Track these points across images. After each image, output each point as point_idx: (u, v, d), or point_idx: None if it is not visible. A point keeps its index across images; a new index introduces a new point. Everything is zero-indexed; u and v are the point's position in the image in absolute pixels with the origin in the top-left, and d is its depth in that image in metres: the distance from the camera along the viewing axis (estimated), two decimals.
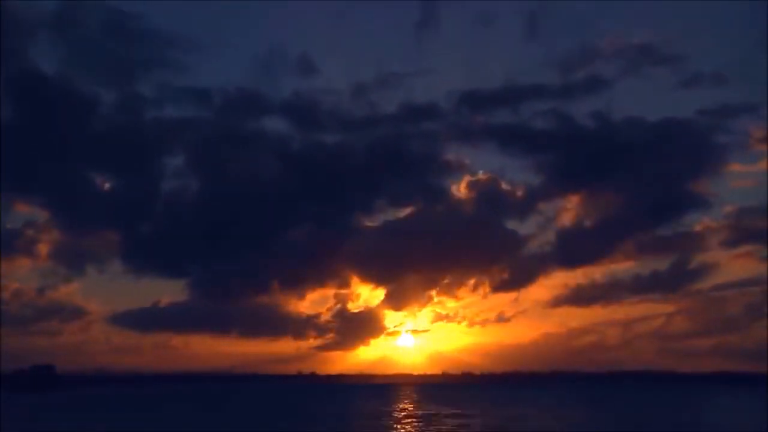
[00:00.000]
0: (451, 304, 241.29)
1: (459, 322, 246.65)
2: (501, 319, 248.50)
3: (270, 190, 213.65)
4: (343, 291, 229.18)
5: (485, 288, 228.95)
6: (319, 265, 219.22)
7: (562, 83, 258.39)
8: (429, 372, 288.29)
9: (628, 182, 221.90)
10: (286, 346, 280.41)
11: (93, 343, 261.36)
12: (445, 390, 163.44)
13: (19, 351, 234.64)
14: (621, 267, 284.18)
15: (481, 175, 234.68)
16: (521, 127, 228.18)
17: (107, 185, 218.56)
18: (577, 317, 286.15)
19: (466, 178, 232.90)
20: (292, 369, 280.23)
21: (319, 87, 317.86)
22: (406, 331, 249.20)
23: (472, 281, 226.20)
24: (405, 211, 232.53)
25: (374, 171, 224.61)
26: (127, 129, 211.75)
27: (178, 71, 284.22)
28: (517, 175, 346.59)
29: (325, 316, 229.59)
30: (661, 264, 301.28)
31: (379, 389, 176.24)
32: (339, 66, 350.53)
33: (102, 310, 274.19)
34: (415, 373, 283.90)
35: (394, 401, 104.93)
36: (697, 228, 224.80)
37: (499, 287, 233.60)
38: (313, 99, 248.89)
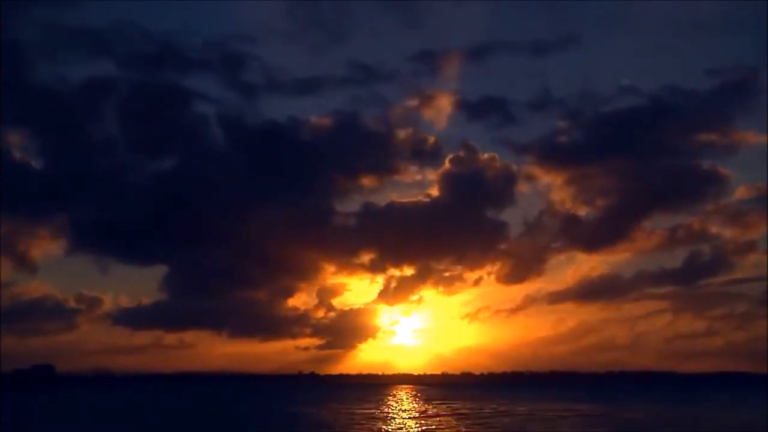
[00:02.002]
0: (448, 298, 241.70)
1: (460, 318, 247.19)
2: (501, 315, 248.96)
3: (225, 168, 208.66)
4: (331, 285, 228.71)
5: (484, 281, 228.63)
6: (293, 256, 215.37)
7: None
8: (429, 372, 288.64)
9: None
10: (283, 346, 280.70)
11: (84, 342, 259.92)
12: (453, 390, 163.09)
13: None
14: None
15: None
16: None
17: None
18: (581, 314, 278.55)
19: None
20: (292, 369, 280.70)
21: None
22: (411, 331, 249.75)
23: (469, 274, 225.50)
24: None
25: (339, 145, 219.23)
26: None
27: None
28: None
29: (318, 314, 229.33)
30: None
31: (378, 389, 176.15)
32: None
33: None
34: (415, 373, 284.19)
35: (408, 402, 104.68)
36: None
37: (499, 280, 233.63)
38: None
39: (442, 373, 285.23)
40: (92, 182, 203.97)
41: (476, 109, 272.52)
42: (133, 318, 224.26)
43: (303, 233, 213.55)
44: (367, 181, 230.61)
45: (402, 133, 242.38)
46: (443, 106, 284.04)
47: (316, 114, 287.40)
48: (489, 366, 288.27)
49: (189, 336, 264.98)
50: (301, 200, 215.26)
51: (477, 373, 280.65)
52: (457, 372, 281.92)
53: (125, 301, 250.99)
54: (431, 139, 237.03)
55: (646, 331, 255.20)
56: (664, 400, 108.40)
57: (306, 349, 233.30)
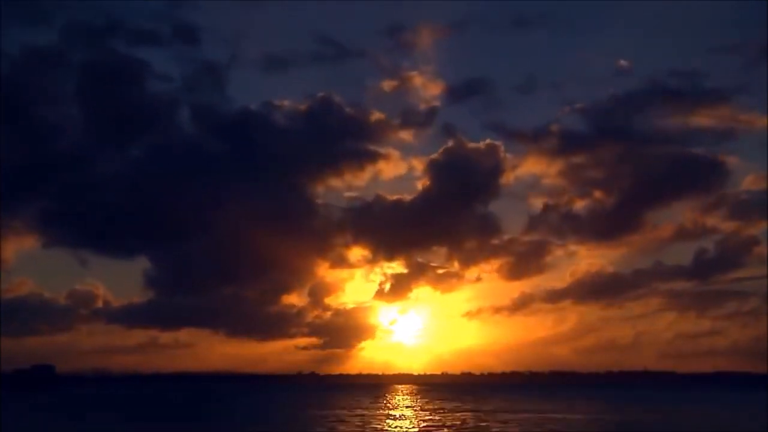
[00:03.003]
0: (446, 297, 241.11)
1: (459, 317, 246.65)
2: (502, 314, 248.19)
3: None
4: (324, 282, 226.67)
5: (481, 278, 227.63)
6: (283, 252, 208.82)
7: None
8: (429, 372, 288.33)
9: None
10: (282, 346, 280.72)
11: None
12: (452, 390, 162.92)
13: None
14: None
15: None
16: None
17: None
18: (580, 313, 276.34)
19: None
20: (292, 369, 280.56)
21: None
22: (410, 331, 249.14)
23: (465, 271, 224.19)
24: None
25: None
26: None
27: None
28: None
29: (313, 312, 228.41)
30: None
31: (377, 389, 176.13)
32: None
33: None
34: (415, 373, 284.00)
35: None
36: None
37: (497, 277, 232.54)
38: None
39: (442, 373, 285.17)
40: (57, 172, 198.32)
41: (460, 91, 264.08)
42: (127, 316, 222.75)
43: (287, 226, 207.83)
44: (348, 171, 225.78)
45: (382, 118, 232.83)
46: (424, 87, 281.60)
47: (286, 96, 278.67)
48: (489, 366, 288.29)
49: (185, 335, 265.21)
50: (282, 191, 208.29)
51: (477, 373, 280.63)
52: (457, 372, 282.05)
53: (112, 297, 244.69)
54: (414, 125, 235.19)
55: (647, 330, 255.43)
56: (664, 400, 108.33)
57: (305, 348, 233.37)
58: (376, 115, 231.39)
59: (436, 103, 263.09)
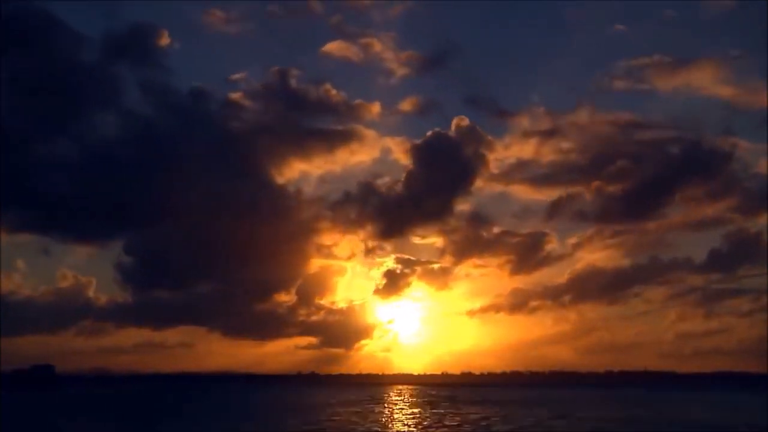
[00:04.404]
0: (444, 295, 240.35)
1: (458, 315, 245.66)
2: (501, 313, 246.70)
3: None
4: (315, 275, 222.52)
5: (478, 276, 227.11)
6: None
7: None
8: (429, 372, 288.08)
9: None
10: (283, 346, 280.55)
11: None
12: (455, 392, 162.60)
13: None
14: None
15: None
16: None
17: None
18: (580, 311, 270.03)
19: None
20: (292, 369, 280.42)
21: None
22: (410, 330, 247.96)
23: (459, 267, 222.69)
24: None
25: None
26: None
27: None
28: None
29: (309, 310, 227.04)
30: None
31: (378, 389, 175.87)
32: None
33: None
34: (415, 373, 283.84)
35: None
36: None
37: (495, 274, 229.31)
38: None
39: (443, 373, 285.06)
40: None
41: (432, 61, 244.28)
42: (112, 313, 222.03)
43: (252, 213, 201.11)
44: (317, 154, 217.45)
45: (341, 94, 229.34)
46: (386, 55, 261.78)
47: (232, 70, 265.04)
48: (489, 366, 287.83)
49: (182, 334, 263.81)
50: (245, 175, 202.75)
51: (477, 373, 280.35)
52: (457, 372, 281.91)
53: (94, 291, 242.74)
54: (378, 100, 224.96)
55: (648, 330, 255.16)
56: (665, 400, 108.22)
57: (305, 348, 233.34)
58: (340, 91, 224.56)
59: (406, 74, 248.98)
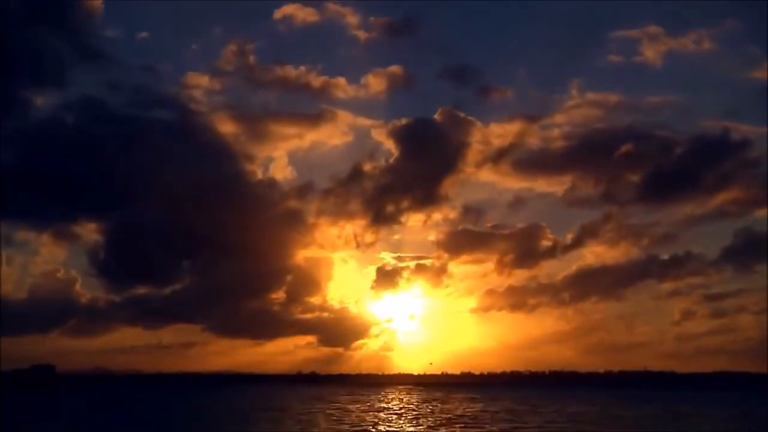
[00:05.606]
0: (443, 293, 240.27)
1: (457, 314, 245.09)
2: (501, 312, 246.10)
3: None
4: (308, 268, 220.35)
5: (476, 274, 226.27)
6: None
7: None
8: (429, 372, 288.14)
9: None
10: (283, 345, 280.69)
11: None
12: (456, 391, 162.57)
13: None
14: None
15: None
16: None
17: None
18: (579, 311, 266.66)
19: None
20: (292, 369, 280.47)
21: None
22: (410, 330, 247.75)
23: (453, 263, 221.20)
24: None
25: None
26: None
27: None
28: None
29: (305, 309, 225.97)
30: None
31: (379, 388, 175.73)
32: None
33: None
34: (415, 372, 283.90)
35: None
36: None
37: (492, 271, 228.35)
38: None
39: (442, 373, 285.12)
40: None
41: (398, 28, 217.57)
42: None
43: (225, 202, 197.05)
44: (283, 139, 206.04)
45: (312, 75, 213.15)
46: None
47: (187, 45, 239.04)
48: (489, 366, 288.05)
49: (179, 334, 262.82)
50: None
51: (477, 373, 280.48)
52: (457, 372, 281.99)
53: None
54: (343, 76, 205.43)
55: (648, 329, 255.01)
56: (664, 400, 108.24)
57: (305, 347, 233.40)
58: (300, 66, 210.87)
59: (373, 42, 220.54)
